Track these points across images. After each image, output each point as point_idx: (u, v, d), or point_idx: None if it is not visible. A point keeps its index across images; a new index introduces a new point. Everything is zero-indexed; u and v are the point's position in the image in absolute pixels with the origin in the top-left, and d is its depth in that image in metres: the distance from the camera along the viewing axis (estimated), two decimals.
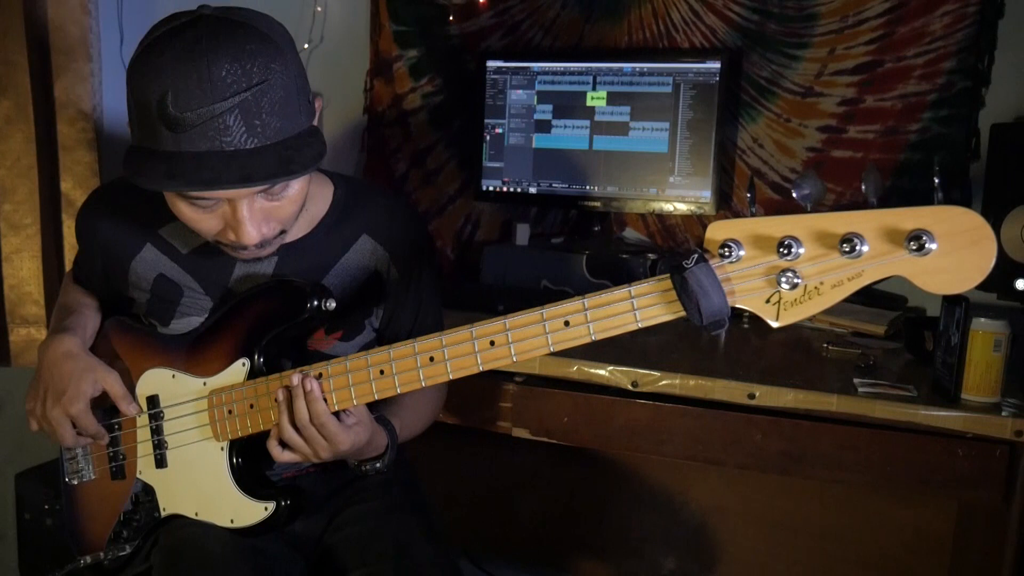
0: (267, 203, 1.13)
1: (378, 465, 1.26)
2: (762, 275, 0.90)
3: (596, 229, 2.25)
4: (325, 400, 1.14)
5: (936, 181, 0.82)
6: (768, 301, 0.90)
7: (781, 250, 0.86)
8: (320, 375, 1.15)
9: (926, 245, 0.80)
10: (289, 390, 1.15)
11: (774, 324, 0.90)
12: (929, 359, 1.59)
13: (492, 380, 1.68)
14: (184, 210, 1.13)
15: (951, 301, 1.46)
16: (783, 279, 0.87)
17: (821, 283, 0.87)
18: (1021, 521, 1.45)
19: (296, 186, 1.15)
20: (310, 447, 1.16)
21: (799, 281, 0.87)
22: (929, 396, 1.48)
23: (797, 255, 0.86)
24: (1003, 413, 1.41)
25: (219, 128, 1.02)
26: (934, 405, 1.44)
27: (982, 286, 1.73)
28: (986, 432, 1.42)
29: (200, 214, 1.13)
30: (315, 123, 1.16)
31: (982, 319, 1.43)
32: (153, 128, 1.03)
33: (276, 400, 1.17)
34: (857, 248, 0.83)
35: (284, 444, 1.19)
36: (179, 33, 1.04)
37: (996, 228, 1.69)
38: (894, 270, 0.83)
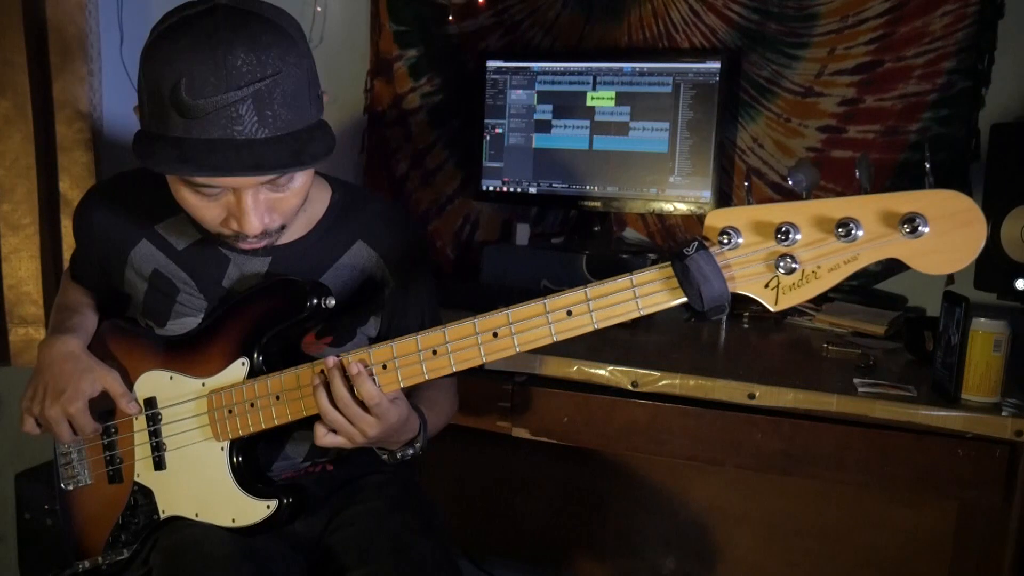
0: (272, 194, 1.14)
1: (410, 450, 1.26)
2: (761, 261, 0.92)
3: (596, 229, 2.24)
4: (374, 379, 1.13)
5: (927, 167, 0.83)
6: (767, 286, 0.92)
7: (779, 236, 0.88)
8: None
9: (919, 228, 0.82)
10: (324, 373, 1.14)
11: (773, 308, 0.92)
12: (929, 359, 1.59)
13: (492, 380, 1.67)
14: (188, 197, 1.14)
15: (951, 301, 1.46)
16: (781, 264, 0.89)
17: (818, 267, 0.89)
18: (1021, 521, 1.45)
19: (300, 179, 1.16)
20: (356, 426, 1.14)
21: (796, 266, 0.89)
22: (929, 396, 1.47)
23: (795, 241, 0.88)
24: (1003, 413, 1.41)
25: (231, 116, 1.02)
26: (934, 405, 1.43)
27: (982, 286, 1.75)
28: (986, 432, 1.41)
29: (204, 202, 1.13)
30: (322, 117, 1.17)
31: (982, 319, 1.43)
32: (164, 114, 1.04)
33: (314, 385, 1.15)
34: (853, 232, 0.85)
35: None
36: (196, 21, 1.04)
37: (996, 228, 1.70)
38: (889, 252, 0.85)
